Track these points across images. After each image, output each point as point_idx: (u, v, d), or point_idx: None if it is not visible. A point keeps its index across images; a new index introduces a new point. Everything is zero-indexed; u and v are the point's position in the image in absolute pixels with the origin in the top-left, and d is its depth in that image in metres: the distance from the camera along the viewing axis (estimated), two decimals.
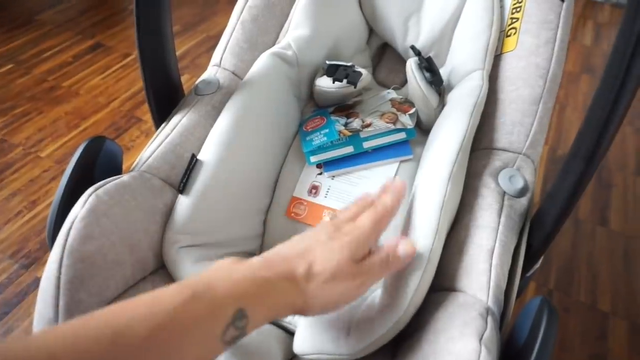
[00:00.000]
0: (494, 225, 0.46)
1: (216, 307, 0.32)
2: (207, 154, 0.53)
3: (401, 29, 0.71)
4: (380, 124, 0.61)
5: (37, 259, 0.96)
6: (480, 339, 0.35)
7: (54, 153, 1.18)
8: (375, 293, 0.49)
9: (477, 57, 0.59)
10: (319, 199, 0.59)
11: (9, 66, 1.43)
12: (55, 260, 0.39)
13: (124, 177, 0.48)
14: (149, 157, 0.53)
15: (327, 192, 0.60)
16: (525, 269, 0.48)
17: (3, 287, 0.91)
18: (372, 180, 0.60)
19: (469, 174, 0.51)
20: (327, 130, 0.62)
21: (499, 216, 0.47)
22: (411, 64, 0.60)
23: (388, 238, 0.52)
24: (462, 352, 0.34)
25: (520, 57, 0.57)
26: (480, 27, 0.61)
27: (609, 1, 1.79)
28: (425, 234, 0.43)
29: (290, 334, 0.48)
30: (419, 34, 0.70)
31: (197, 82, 0.63)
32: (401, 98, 0.66)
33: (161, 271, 0.50)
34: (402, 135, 0.62)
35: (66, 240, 0.40)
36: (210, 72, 0.65)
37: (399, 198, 0.44)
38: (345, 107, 0.66)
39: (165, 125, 0.58)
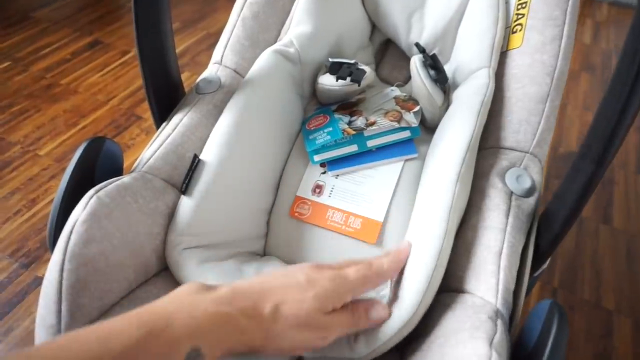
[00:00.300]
0: (502, 227, 0.45)
1: (172, 346, 0.31)
2: (209, 154, 0.52)
3: (404, 25, 0.70)
4: (384, 122, 0.61)
5: (37, 258, 0.95)
6: (491, 343, 0.35)
7: (53, 151, 1.17)
8: (383, 293, 0.48)
9: (483, 54, 0.58)
10: (323, 199, 0.59)
11: (6, 64, 1.41)
12: (56, 265, 0.39)
13: (125, 179, 0.47)
14: (150, 158, 0.52)
15: (331, 191, 0.59)
16: (533, 269, 0.48)
17: (3, 286, 0.90)
18: (376, 179, 0.59)
19: (476, 174, 0.51)
20: (330, 129, 0.61)
21: (507, 217, 0.46)
22: (415, 61, 0.59)
23: (395, 240, 0.52)
24: (472, 356, 0.34)
25: (527, 54, 0.56)
26: (486, 24, 0.60)
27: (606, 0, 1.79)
28: (435, 235, 0.43)
29: None
30: (422, 30, 0.69)
31: (197, 80, 0.62)
32: (405, 95, 0.65)
33: (164, 273, 0.50)
34: (406, 134, 0.61)
35: (67, 244, 0.39)
36: (212, 70, 0.64)
37: (399, 266, 0.43)
38: (348, 105, 0.65)
39: (166, 124, 0.57)
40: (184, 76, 1.33)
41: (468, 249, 0.45)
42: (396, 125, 0.60)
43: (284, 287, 0.38)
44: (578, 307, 0.92)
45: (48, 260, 0.94)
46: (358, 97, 0.67)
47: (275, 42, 0.67)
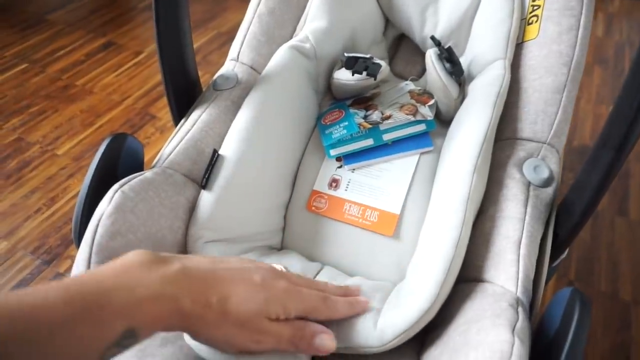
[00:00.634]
0: (520, 216, 0.45)
1: (105, 325, 0.29)
2: (228, 149, 0.53)
3: (418, 19, 0.71)
4: (399, 116, 0.61)
5: (58, 255, 0.97)
6: (513, 330, 0.35)
7: (71, 150, 1.19)
8: (401, 284, 0.49)
9: (499, 46, 0.58)
10: (340, 192, 0.59)
11: (24, 65, 1.44)
12: (83, 258, 0.40)
13: (147, 174, 0.48)
14: (170, 153, 0.53)
15: (348, 185, 0.60)
16: (552, 258, 0.48)
17: (26, 282, 0.92)
18: (392, 172, 0.59)
19: (493, 165, 0.51)
20: (346, 123, 0.62)
21: (525, 207, 0.46)
22: (431, 54, 0.60)
23: (412, 232, 0.52)
24: (495, 342, 0.34)
25: (543, 45, 0.56)
26: (501, 15, 0.60)
27: None
28: (453, 226, 0.43)
29: None
30: (436, 24, 0.69)
31: (215, 77, 0.63)
32: (420, 89, 0.65)
33: None
34: (422, 127, 0.61)
35: (94, 237, 0.40)
36: (228, 67, 0.65)
37: (351, 313, 0.42)
38: (363, 100, 0.66)
39: (185, 121, 0.58)
40: None
41: (487, 239, 0.46)
42: (412, 118, 0.60)
43: (236, 280, 0.37)
44: (595, 299, 0.92)
45: (69, 257, 0.97)
46: (373, 91, 0.67)
47: (291, 37, 0.68)
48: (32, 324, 0.26)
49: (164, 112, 1.28)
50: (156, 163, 0.53)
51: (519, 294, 0.40)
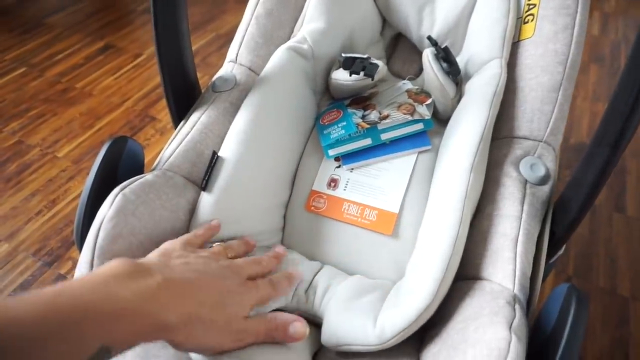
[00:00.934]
0: (517, 214, 0.46)
1: (80, 342, 0.28)
2: (228, 151, 0.53)
3: (415, 18, 0.71)
4: (397, 116, 0.61)
5: (59, 257, 0.98)
6: (510, 327, 0.35)
7: (71, 153, 1.20)
8: (400, 283, 0.49)
9: (495, 45, 0.58)
10: (338, 192, 0.60)
11: (22, 69, 1.45)
12: (86, 261, 0.40)
13: (148, 176, 0.48)
14: (170, 156, 0.53)
15: (346, 184, 0.60)
16: (549, 255, 0.48)
17: (27, 284, 0.93)
18: (390, 171, 0.60)
19: (490, 164, 0.51)
20: (344, 123, 0.62)
21: (522, 205, 0.47)
22: (428, 54, 0.60)
23: (410, 231, 0.53)
24: (492, 340, 0.35)
25: (539, 44, 0.56)
26: (497, 14, 0.60)
27: None
28: (450, 224, 0.44)
29: (317, 325, 0.49)
30: (433, 23, 0.70)
31: (214, 78, 0.63)
32: (417, 88, 0.66)
33: None
34: (419, 126, 0.62)
35: (96, 240, 0.41)
36: (227, 69, 0.65)
37: (290, 287, 0.47)
38: (361, 99, 0.66)
39: (185, 123, 0.58)
40: None
41: (484, 237, 0.46)
42: (409, 118, 0.61)
43: (212, 286, 0.38)
44: (593, 294, 0.92)
45: (70, 258, 0.97)
46: (370, 91, 0.68)
47: (288, 38, 0.68)
48: (8, 340, 0.25)
49: (163, 113, 1.28)
50: (156, 165, 0.53)
51: (516, 291, 0.41)
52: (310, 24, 0.66)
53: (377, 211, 0.57)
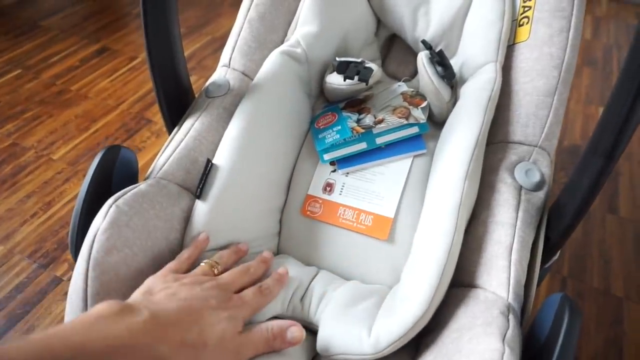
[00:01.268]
0: (512, 222, 0.46)
1: None
2: (222, 158, 0.53)
3: (410, 20, 0.71)
4: (392, 120, 0.61)
5: (55, 259, 0.98)
6: (503, 339, 0.35)
7: (66, 155, 1.19)
8: (396, 288, 0.49)
9: (490, 48, 0.58)
10: (334, 197, 0.59)
11: (17, 71, 1.44)
12: (80, 273, 0.40)
13: (142, 186, 0.48)
14: (164, 164, 0.53)
15: (342, 189, 0.60)
16: (544, 261, 0.49)
17: (23, 286, 0.93)
18: (386, 176, 0.60)
19: (485, 169, 0.51)
20: (339, 128, 0.62)
21: (517, 211, 0.47)
22: (422, 58, 0.60)
23: (406, 236, 0.53)
24: (486, 351, 0.35)
25: (534, 47, 0.56)
26: (492, 17, 0.60)
27: None
28: (445, 232, 0.44)
29: (313, 333, 0.49)
30: (428, 24, 0.69)
31: (207, 84, 0.63)
32: (412, 91, 0.65)
33: None
34: (414, 130, 0.61)
35: (90, 252, 0.41)
36: (220, 73, 0.65)
37: (281, 288, 0.47)
38: (356, 102, 0.66)
39: (178, 129, 0.58)
40: (191, 80, 1.38)
41: (479, 244, 0.46)
42: (404, 121, 0.61)
43: (199, 310, 0.38)
44: (588, 295, 0.93)
45: (65, 260, 0.97)
46: (365, 93, 0.68)
47: (282, 42, 0.68)
48: None
49: (159, 116, 1.27)
50: (150, 174, 0.53)
51: (510, 299, 0.41)
52: (303, 27, 0.66)
53: (373, 216, 0.56)
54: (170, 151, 0.54)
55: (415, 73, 0.73)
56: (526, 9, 0.59)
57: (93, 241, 0.41)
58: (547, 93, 0.53)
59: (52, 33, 1.61)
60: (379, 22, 0.77)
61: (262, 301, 0.45)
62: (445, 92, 0.60)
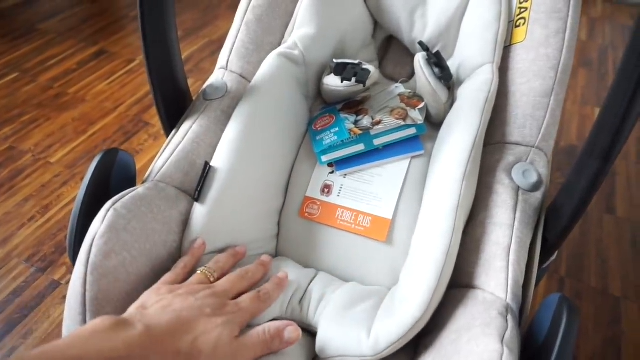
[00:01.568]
0: (510, 222, 0.46)
1: None
2: (220, 161, 0.53)
3: (407, 21, 0.71)
4: (390, 121, 0.61)
5: (52, 262, 0.97)
6: (502, 340, 0.35)
7: (64, 158, 1.19)
8: (394, 289, 0.49)
9: (487, 50, 0.58)
10: (332, 198, 0.60)
11: (14, 75, 1.44)
12: (79, 278, 0.40)
13: (140, 190, 0.48)
14: (162, 167, 0.53)
15: (340, 190, 0.60)
16: (542, 261, 0.49)
17: (21, 290, 0.93)
18: (384, 177, 0.60)
19: (482, 170, 0.51)
20: (337, 129, 0.62)
21: (514, 212, 0.47)
22: (420, 59, 0.60)
23: (404, 237, 0.53)
24: (484, 352, 0.35)
25: (530, 48, 0.56)
26: (488, 18, 0.60)
27: None
28: (443, 233, 0.44)
29: (312, 335, 0.49)
30: (425, 26, 0.70)
31: (204, 86, 0.63)
32: (409, 92, 0.65)
33: None
34: (412, 131, 0.62)
35: (88, 257, 0.41)
36: (218, 76, 0.65)
37: (280, 292, 0.47)
38: (353, 104, 0.66)
39: (176, 132, 0.58)
40: (189, 82, 1.38)
41: (477, 245, 0.46)
42: (402, 123, 0.61)
43: (193, 319, 0.39)
44: (586, 294, 0.94)
45: (64, 264, 0.97)
46: (363, 95, 0.68)
47: (279, 44, 0.68)
48: None
49: (157, 119, 1.27)
50: (148, 177, 0.53)
51: (508, 300, 0.41)
52: (300, 30, 0.66)
53: (371, 217, 0.57)
54: (168, 154, 0.54)
55: (412, 74, 0.73)
56: (522, 10, 0.59)
57: (91, 245, 0.41)
58: (544, 94, 0.53)
59: (49, 36, 1.61)
60: (376, 24, 0.77)
61: (260, 306, 0.45)
62: (442, 93, 0.60)
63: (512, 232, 0.45)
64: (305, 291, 0.51)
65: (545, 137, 0.52)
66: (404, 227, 0.55)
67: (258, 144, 0.56)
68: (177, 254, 0.50)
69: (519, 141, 0.53)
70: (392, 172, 0.60)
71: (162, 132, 0.61)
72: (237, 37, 0.66)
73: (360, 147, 0.61)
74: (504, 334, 0.36)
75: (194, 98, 0.64)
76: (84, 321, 0.39)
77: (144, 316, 0.37)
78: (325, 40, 0.68)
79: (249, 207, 0.55)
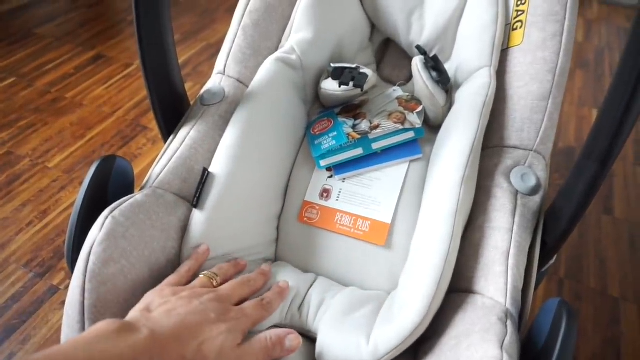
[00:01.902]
0: (508, 227, 0.46)
1: None
2: (218, 167, 0.53)
3: (404, 24, 0.71)
4: (388, 125, 0.61)
5: (51, 267, 0.97)
6: (502, 346, 0.35)
7: (62, 163, 1.19)
8: (394, 293, 0.49)
9: (484, 53, 0.58)
10: (331, 203, 0.59)
11: (11, 80, 1.44)
12: (77, 286, 0.40)
13: (138, 196, 0.48)
14: (160, 173, 0.53)
15: (339, 195, 0.60)
16: (541, 265, 0.49)
17: (19, 295, 0.92)
18: (383, 181, 0.60)
19: (481, 174, 0.51)
20: (335, 133, 0.62)
21: (513, 216, 0.47)
22: (417, 63, 0.60)
23: (403, 241, 0.53)
24: (484, 358, 0.35)
25: (528, 51, 0.56)
26: (486, 21, 0.60)
27: None
28: (442, 237, 0.44)
29: (312, 341, 0.49)
30: (422, 29, 0.70)
31: (202, 91, 0.63)
32: (407, 95, 0.65)
33: None
34: (410, 135, 0.61)
35: (87, 264, 0.40)
36: (215, 81, 0.65)
37: (282, 301, 0.48)
38: (352, 108, 0.66)
39: (174, 138, 0.58)
40: (187, 86, 1.39)
41: (476, 250, 0.46)
42: (400, 126, 0.61)
43: (198, 324, 0.39)
44: (585, 295, 0.94)
45: (62, 269, 0.97)
46: (361, 98, 0.68)
47: (276, 49, 0.68)
48: None
49: (155, 123, 1.27)
50: (146, 183, 0.53)
51: (508, 305, 0.41)
52: (298, 34, 0.66)
53: (370, 222, 0.57)
54: (166, 160, 0.54)
55: (410, 77, 0.73)
56: (519, 13, 0.59)
57: (89, 253, 0.41)
58: (542, 97, 0.53)
59: (46, 41, 1.61)
60: (373, 27, 0.77)
61: (263, 314, 0.45)
62: (440, 96, 0.60)
63: (511, 236, 0.45)
64: (305, 297, 0.51)
65: (544, 141, 0.52)
66: (403, 231, 0.54)
67: (256, 149, 0.56)
68: (176, 261, 0.50)
69: (517, 145, 0.53)
70: (390, 176, 0.60)
71: (162, 138, 0.61)
72: (234, 41, 0.66)
73: (358, 151, 0.61)
74: (504, 339, 0.36)
75: (191, 102, 0.63)
76: (83, 329, 0.39)
77: (149, 320, 0.37)
78: (323, 44, 0.68)
79: (247, 212, 0.55)
